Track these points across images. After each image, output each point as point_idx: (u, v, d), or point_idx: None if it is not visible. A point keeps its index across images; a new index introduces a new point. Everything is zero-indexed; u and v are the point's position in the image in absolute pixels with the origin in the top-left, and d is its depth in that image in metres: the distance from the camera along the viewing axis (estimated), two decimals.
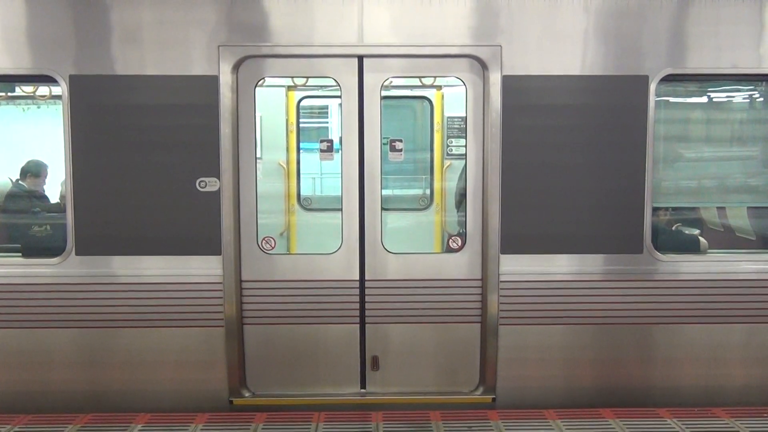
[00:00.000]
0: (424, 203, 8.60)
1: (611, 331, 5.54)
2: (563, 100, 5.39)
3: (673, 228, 6.09)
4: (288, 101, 8.52)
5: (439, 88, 8.51)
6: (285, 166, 8.43)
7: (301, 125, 8.61)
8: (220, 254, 5.36)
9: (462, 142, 8.59)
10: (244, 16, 5.29)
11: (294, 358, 5.57)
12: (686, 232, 6.08)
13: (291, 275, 5.51)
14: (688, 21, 5.42)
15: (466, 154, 5.52)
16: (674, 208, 6.10)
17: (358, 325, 5.53)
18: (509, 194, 5.41)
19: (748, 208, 6.24)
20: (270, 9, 5.32)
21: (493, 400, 5.58)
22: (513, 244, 5.44)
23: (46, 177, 7.75)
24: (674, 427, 5.01)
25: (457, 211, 6.90)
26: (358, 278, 5.51)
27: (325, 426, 5.08)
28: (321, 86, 8.21)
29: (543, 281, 5.47)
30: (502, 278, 5.47)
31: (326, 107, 8.97)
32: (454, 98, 8.34)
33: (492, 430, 5.03)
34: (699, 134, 6.08)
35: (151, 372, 5.50)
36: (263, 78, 5.45)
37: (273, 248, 5.59)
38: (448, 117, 8.55)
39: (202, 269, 5.38)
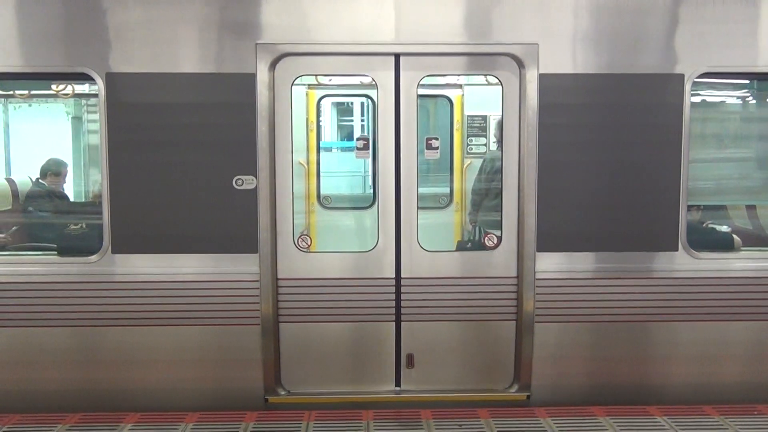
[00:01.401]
0: (444, 202, 8.63)
1: (645, 329, 5.58)
2: (599, 98, 5.41)
3: (706, 226, 6.11)
4: (308, 100, 8.53)
5: (459, 87, 8.56)
6: (305, 165, 8.44)
7: (320, 123, 8.64)
8: (256, 252, 5.36)
9: (482, 141, 8.66)
10: (282, 14, 5.30)
11: (328, 356, 5.57)
12: (719, 230, 6.11)
13: (327, 273, 5.51)
14: (720, 21, 5.45)
15: (502, 153, 5.52)
16: (707, 207, 6.13)
17: (393, 323, 5.54)
18: (546, 193, 5.43)
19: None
20: (307, 7, 5.32)
21: (528, 397, 5.60)
22: (549, 242, 5.46)
23: (65, 176, 7.76)
24: (665, 425, 5.05)
25: (479, 210, 6.93)
26: (394, 276, 5.51)
27: (375, 423, 5.09)
28: (342, 85, 8.22)
29: (579, 279, 5.49)
30: (538, 276, 5.49)
31: (349, 105, 8.97)
32: (474, 97, 8.41)
33: (543, 427, 5.05)
34: (731, 133, 6.13)
35: (188, 370, 5.49)
36: (300, 76, 5.45)
37: (309, 246, 5.60)
38: (468, 116, 8.60)
39: (239, 267, 5.39)
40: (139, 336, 5.42)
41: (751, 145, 6.22)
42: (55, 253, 5.69)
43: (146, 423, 5.12)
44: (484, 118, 8.57)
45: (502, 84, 5.46)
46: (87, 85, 7.19)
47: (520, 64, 5.37)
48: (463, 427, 5.04)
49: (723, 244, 5.88)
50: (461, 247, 7.66)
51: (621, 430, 4.99)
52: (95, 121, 5.69)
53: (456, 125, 8.63)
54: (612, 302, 5.51)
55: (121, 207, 5.32)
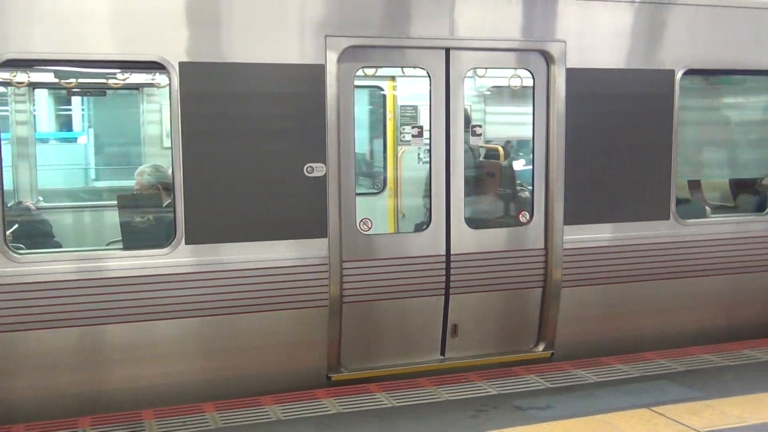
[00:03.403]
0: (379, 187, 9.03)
1: (647, 287, 6.48)
2: (615, 89, 6.18)
3: (685, 198, 7.07)
4: None
5: (392, 78, 8.90)
6: None
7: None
8: (326, 237, 5.57)
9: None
10: (350, 8, 5.51)
11: (383, 332, 5.96)
12: (693, 201, 7.21)
13: (385, 253, 5.85)
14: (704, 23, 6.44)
15: (533, 138, 6.16)
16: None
17: (443, 296, 6.01)
18: (572, 173, 6.15)
19: (729, 180, 7.51)
20: (373, 2, 5.59)
21: (552, 355, 6.35)
22: (575, 216, 6.19)
23: None
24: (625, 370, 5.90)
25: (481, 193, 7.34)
26: (444, 253, 5.97)
27: (440, 388, 5.62)
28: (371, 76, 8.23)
29: (598, 247, 6.31)
30: (566, 246, 6.22)
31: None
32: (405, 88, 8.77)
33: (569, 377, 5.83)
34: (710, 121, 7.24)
35: (260, 356, 5.62)
36: (362, 67, 5.71)
37: (369, 229, 5.89)
38: (401, 106, 8.94)
39: (310, 252, 5.58)
40: (214, 326, 5.45)
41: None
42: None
43: (231, 408, 5.26)
44: (415, 107, 9.03)
45: (534, 77, 6.13)
46: None
47: (551, 60, 6.04)
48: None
49: (698, 212, 7.01)
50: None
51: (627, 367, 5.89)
52: None
53: (389, 115, 8.96)
54: (624, 266, 6.39)
55: (195, 197, 5.33)
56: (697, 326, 6.77)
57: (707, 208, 7.16)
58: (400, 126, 8.75)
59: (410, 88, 8.65)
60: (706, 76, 6.98)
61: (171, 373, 5.46)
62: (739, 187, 7.50)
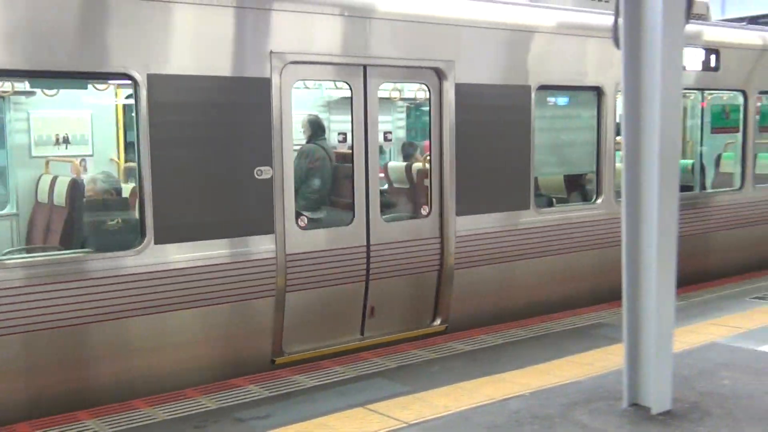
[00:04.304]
0: None
1: (520, 266, 7.79)
2: (496, 101, 7.48)
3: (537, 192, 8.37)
4: None
5: None
6: None
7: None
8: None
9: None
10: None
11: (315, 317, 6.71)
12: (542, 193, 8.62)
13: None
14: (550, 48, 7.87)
15: (430, 142, 7.23)
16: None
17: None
18: (461, 177, 7.25)
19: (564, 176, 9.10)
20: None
21: (446, 328, 7.36)
22: (466, 208, 7.31)
23: None
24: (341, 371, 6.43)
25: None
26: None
27: (157, 408, 5.64)
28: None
29: (482, 233, 7.46)
30: (458, 234, 7.25)
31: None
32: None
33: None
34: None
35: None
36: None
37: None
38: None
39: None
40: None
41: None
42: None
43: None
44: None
45: (430, 90, 7.17)
46: None
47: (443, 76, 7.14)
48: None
49: (547, 203, 8.43)
50: None
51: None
52: None
53: None
54: (500, 248, 7.62)
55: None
56: (559, 295, 8.19)
57: (553, 199, 8.55)
58: None
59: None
60: (552, 91, 8.32)
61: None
62: (571, 181, 9.07)
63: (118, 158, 8.25)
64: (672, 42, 4.76)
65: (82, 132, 8.08)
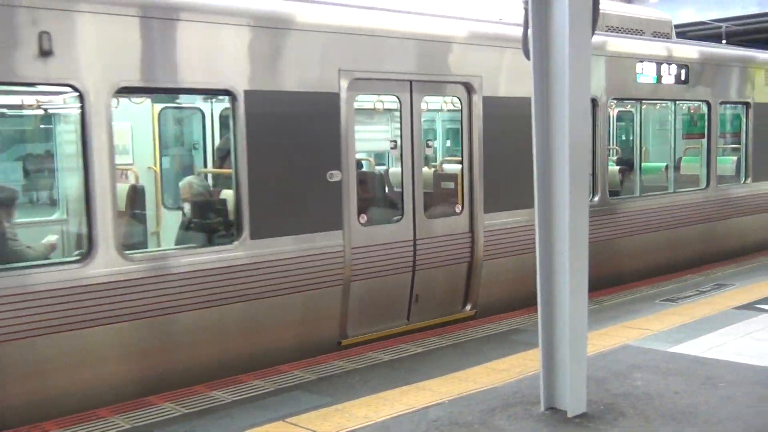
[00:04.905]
0: None
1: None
2: (513, 111, 8.16)
3: None
4: None
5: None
6: None
7: None
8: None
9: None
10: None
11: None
12: None
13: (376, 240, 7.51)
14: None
15: (462, 149, 8.17)
16: None
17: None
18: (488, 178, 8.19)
19: None
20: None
21: (475, 313, 8.23)
22: (491, 207, 8.23)
23: None
24: (260, 385, 6.43)
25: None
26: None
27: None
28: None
29: (507, 228, 8.38)
30: (485, 229, 8.18)
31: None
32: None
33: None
34: None
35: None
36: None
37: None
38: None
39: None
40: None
41: None
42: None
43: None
44: None
45: (461, 102, 8.08)
46: None
47: (472, 90, 8.07)
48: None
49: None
50: None
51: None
52: None
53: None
54: (520, 242, 8.42)
55: None
56: None
57: None
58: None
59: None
60: None
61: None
62: None
63: (155, 166, 8.87)
64: (579, 53, 4.89)
65: (124, 143, 8.67)
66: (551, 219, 5.06)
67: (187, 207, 7.52)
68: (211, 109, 9.29)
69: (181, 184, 7.96)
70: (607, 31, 10.01)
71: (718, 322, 7.56)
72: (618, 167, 11.33)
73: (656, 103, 11.36)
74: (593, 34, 5.08)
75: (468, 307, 8.28)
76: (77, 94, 5.62)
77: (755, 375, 5.91)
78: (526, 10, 4.95)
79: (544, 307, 5.12)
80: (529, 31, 4.98)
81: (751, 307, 8.21)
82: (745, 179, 12.07)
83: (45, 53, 5.40)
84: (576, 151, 4.93)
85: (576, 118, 4.91)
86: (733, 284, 9.53)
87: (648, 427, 4.90)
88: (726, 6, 24.68)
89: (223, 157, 7.88)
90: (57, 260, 5.95)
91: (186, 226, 7.46)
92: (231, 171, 6.57)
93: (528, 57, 5.03)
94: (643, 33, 10.76)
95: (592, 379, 5.52)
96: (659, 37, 10.96)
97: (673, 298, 8.82)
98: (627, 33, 10.47)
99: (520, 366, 6.28)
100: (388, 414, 5.28)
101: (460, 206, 8.17)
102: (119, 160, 7.68)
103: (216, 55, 6.26)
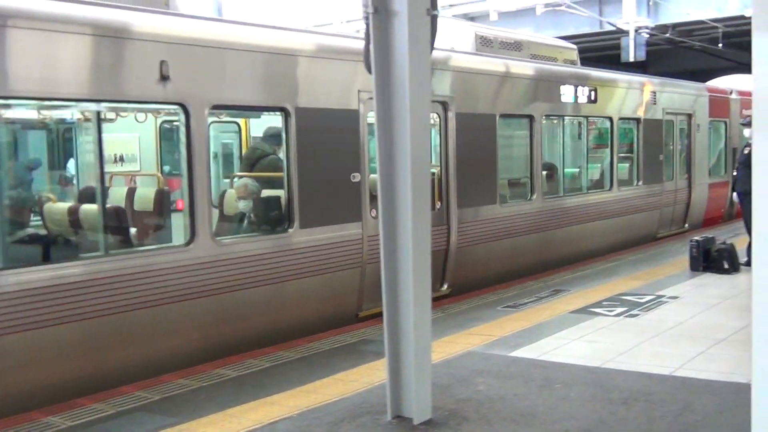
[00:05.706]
0: None
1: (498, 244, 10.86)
2: (477, 124, 10.29)
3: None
4: None
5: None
6: None
7: None
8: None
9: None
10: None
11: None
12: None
13: None
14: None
15: (440, 155, 9.75)
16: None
17: None
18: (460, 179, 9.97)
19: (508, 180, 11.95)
20: None
21: (450, 291, 9.85)
22: (463, 203, 10.05)
23: None
24: (100, 408, 6.26)
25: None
26: None
27: None
28: None
29: (473, 221, 10.23)
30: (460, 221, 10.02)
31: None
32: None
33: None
34: None
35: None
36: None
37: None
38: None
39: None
40: None
41: None
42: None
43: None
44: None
45: (439, 117, 9.73)
46: None
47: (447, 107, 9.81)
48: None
49: (505, 200, 11.41)
50: None
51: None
52: None
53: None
54: (485, 231, 10.40)
55: None
56: (519, 264, 11.28)
57: (508, 196, 11.50)
58: None
59: None
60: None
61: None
62: (514, 184, 11.88)
63: (160, 172, 9.97)
64: (418, 68, 5.03)
65: (132, 152, 10.28)
66: (395, 230, 5.15)
67: (242, 203, 8.54)
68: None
69: (236, 184, 8.96)
70: (531, 58, 12.03)
71: (554, 326, 7.96)
72: (544, 171, 12.72)
73: (573, 119, 13.25)
74: (432, 50, 5.24)
75: (445, 287, 9.87)
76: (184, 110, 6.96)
77: (587, 375, 6.25)
78: (368, 25, 5.04)
79: (389, 317, 5.21)
80: (370, 46, 5.07)
81: (585, 311, 8.69)
82: (638, 182, 14.48)
83: (164, 78, 6.73)
84: (417, 164, 5.05)
85: (417, 132, 5.04)
86: (569, 290, 10.04)
87: (489, 430, 5.07)
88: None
89: (252, 164, 8.98)
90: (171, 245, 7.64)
91: (248, 219, 8.48)
92: (282, 174, 8.00)
93: (369, 71, 5.11)
94: (557, 60, 12.84)
95: (438, 386, 5.65)
96: (569, 64, 13.22)
97: (514, 304, 9.19)
98: (545, 60, 12.37)
99: (368, 376, 6.35)
100: (236, 430, 5.19)
101: (438, 203, 9.69)
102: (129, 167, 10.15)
103: (275, 81, 7.80)
